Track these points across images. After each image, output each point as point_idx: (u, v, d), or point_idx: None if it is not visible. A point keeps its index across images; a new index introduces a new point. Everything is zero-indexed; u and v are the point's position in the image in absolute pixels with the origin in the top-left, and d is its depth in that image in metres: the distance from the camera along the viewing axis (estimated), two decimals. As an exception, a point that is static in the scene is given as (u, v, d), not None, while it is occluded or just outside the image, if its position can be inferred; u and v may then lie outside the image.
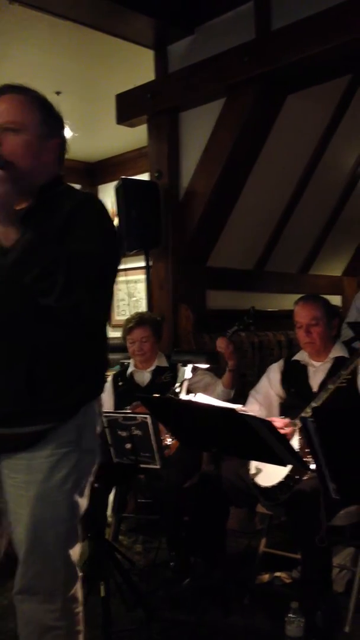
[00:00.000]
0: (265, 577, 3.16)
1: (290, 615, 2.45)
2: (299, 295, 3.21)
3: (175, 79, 4.22)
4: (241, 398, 3.36)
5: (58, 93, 5.52)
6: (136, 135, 4.97)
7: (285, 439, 2.50)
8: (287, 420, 2.86)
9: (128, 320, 3.62)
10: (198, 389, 3.44)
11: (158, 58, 4.38)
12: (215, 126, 4.12)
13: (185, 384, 3.27)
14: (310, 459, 2.37)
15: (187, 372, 3.34)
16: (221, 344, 3.41)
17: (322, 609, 2.55)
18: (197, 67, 4.04)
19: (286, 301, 4.57)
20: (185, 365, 3.36)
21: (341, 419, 2.11)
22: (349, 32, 3.38)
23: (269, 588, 3.10)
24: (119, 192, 4.22)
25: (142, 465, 2.94)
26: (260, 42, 3.73)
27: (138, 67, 4.52)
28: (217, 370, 3.61)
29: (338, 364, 2.95)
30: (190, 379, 3.44)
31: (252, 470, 2.84)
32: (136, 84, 4.42)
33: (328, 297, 3.57)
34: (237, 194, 4.38)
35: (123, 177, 4.27)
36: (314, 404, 2.83)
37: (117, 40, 4.29)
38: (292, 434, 2.80)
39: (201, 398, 2.94)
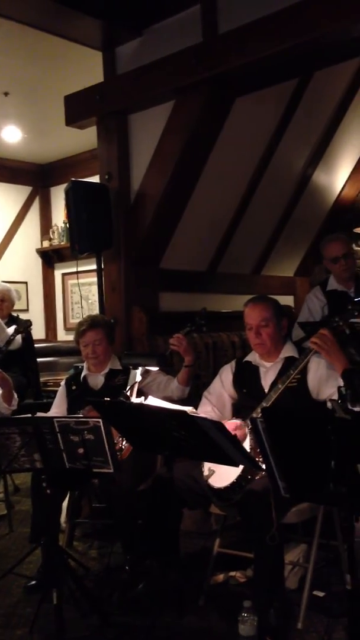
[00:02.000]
0: (220, 577, 3.17)
1: (244, 614, 2.47)
2: (253, 296, 3.23)
3: (124, 81, 4.21)
4: (196, 399, 3.37)
5: (6, 94, 5.47)
6: (88, 137, 4.95)
7: (236, 440, 2.51)
8: (238, 422, 2.87)
9: (80, 324, 3.59)
10: (152, 390, 3.45)
11: (106, 60, 4.37)
12: (165, 128, 4.13)
13: (135, 387, 3.26)
14: (261, 459, 2.40)
15: (137, 375, 3.33)
16: (175, 341, 3.41)
17: (274, 607, 2.57)
18: (145, 69, 4.05)
19: (239, 302, 4.58)
20: (135, 368, 3.35)
21: (289, 419, 2.14)
22: (296, 36, 3.44)
23: (223, 588, 3.11)
24: (68, 194, 4.18)
25: (95, 470, 2.90)
26: (208, 45, 3.75)
27: (88, 68, 4.50)
28: (172, 372, 3.62)
29: (288, 364, 2.98)
30: (143, 380, 3.44)
31: (206, 472, 2.85)
32: (86, 85, 4.40)
33: (280, 297, 3.62)
34: (188, 195, 4.40)
35: (73, 179, 4.24)
36: (264, 404, 2.86)
37: (66, 42, 4.27)
38: (243, 437, 2.82)
39: (152, 401, 2.94)
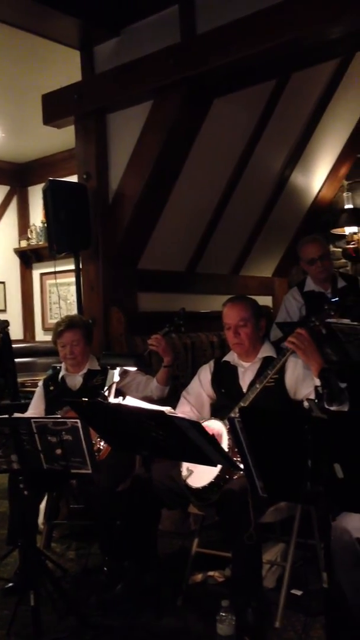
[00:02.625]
0: (199, 577, 3.17)
1: (222, 613, 2.47)
2: (231, 296, 3.24)
3: (102, 81, 4.20)
4: (175, 399, 3.37)
5: (-17, 92, 5.40)
6: (66, 136, 4.92)
7: (214, 440, 2.52)
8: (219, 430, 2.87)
9: (58, 324, 3.57)
10: (131, 390, 3.44)
11: (84, 59, 4.35)
12: (143, 128, 4.12)
13: (113, 387, 3.25)
14: (239, 459, 2.40)
15: (115, 375, 3.32)
16: (153, 341, 3.41)
17: (252, 606, 2.58)
18: (124, 69, 4.04)
19: (218, 302, 4.59)
20: (113, 368, 3.35)
21: (266, 418, 2.15)
22: (274, 37, 3.46)
23: (202, 588, 3.11)
24: (46, 194, 4.16)
25: (73, 471, 2.89)
26: (186, 46, 3.76)
27: (66, 67, 4.48)
28: (151, 372, 3.61)
29: (267, 364, 3.00)
30: (122, 380, 3.43)
31: (184, 472, 2.85)
32: (64, 84, 4.37)
33: (259, 297, 3.62)
34: (167, 196, 4.40)
35: (50, 178, 4.22)
36: (242, 404, 2.87)
37: (44, 40, 4.24)
38: (221, 437, 2.82)
39: (131, 401, 2.93)
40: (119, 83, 4.07)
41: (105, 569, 3.10)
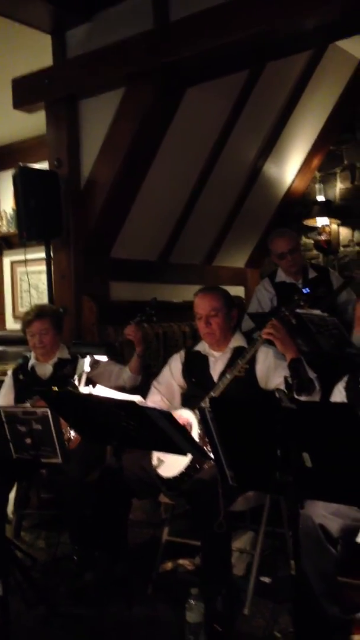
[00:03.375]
0: (169, 565, 3.19)
1: (191, 601, 2.49)
2: (202, 287, 3.24)
3: (73, 66, 4.14)
4: (147, 388, 3.36)
5: None
6: (38, 122, 4.84)
7: (184, 429, 2.52)
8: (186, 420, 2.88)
9: (27, 313, 3.54)
10: (103, 379, 3.43)
11: (55, 43, 4.28)
12: (116, 116, 4.08)
13: (84, 376, 3.24)
14: (210, 448, 2.41)
15: (85, 364, 3.31)
16: (129, 331, 3.42)
17: (221, 594, 2.60)
18: (96, 54, 3.98)
19: (190, 292, 4.58)
20: (83, 357, 3.33)
21: (236, 408, 2.16)
22: (249, 27, 3.44)
23: (172, 576, 3.13)
24: (16, 180, 4.09)
25: (43, 460, 2.88)
26: (159, 33, 3.72)
27: (37, 51, 4.40)
28: (123, 362, 3.60)
29: (237, 354, 3.01)
30: (94, 370, 3.42)
31: (155, 462, 2.85)
32: (35, 69, 4.30)
33: (231, 288, 3.63)
34: (139, 184, 4.37)
35: (21, 164, 4.15)
36: (212, 394, 2.88)
37: (14, 24, 4.15)
38: (191, 426, 2.83)
39: (101, 391, 2.92)
40: (91, 69, 4.01)
41: (75, 558, 3.11)
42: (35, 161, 5.76)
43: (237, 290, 5.72)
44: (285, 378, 2.34)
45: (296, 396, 2.59)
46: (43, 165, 4.56)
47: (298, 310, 3.08)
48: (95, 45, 4.00)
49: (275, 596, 2.70)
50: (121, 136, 4.07)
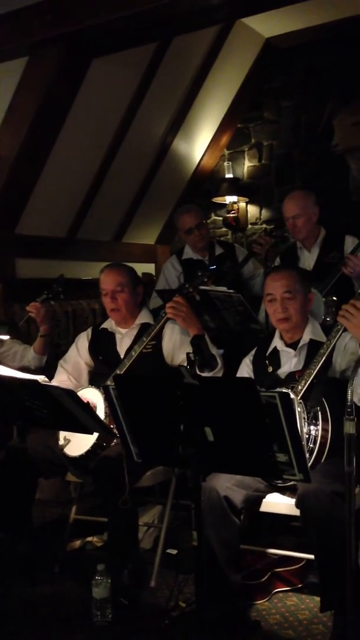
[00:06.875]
0: (77, 543, 3.19)
1: (97, 577, 2.50)
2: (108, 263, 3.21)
3: (-27, 32, 3.94)
4: (54, 368, 3.31)
5: None
6: None
7: (89, 408, 2.52)
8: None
9: None
10: (7, 359, 3.35)
11: None
12: (19, 85, 3.93)
13: (-15, 357, 3.15)
14: (115, 426, 2.41)
15: (-14, 344, 3.21)
16: (32, 309, 3.35)
17: (128, 568, 2.63)
18: (-3, 20, 3.81)
19: (100, 269, 4.57)
20: (-16, 336, 3.24)
21: (140, 385, 2.16)
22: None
23: (80, 554, 3.13)
24: None
25: None
26: (63, 2, 3.59)
27: None
28: (30, 341, 3.52)
29: (144, 330, 3.01)
30: (-3, 350, 3.33)
31: (61, 441, 2.82)
32: None
33: (142, 265, 3.61)
34: (45, 157, 4.25)
35: None
36: (117, 371, 2.87)
37: None
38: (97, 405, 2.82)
39: (4, 371, 2.84)
40: (-8, 35, 3.84)
41: (-22, 541, 3.04)
42: None
43: (148, 268, 5.71)
44: (188, 354, 2.36)
45: (198, 372, 2.63)
46: None
47: (204, 287, 3.11)
48: (-3, 11, 3.82)
49: (180, 567, 2.76)
50: (25, 106, 3.93)
